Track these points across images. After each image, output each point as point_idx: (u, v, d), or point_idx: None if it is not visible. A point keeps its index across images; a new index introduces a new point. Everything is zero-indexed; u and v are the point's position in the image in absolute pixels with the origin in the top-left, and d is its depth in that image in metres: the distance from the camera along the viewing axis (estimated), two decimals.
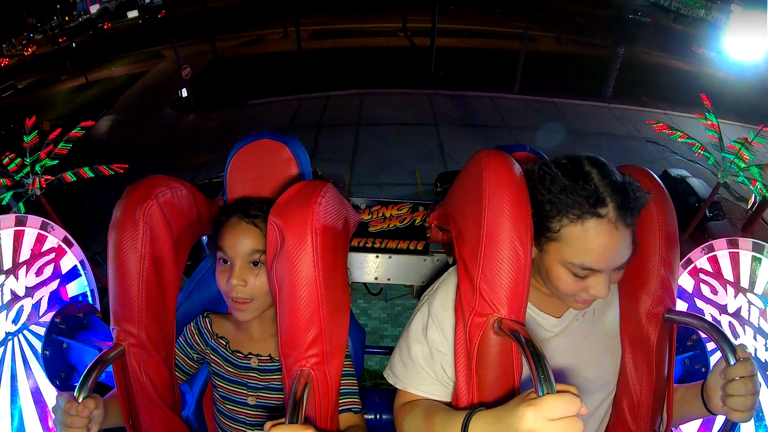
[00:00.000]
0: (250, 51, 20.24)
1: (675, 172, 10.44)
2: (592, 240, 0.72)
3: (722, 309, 1.44)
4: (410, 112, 14.49)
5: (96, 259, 6.78)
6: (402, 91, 15.75)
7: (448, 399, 0.85)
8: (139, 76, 18.78)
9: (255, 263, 0.92)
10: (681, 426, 1.39)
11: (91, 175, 6.54)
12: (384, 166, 11.60)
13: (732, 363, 0.74)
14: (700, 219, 8.46)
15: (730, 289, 1.43)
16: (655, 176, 0.91)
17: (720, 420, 1.30)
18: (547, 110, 14.91)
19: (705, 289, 1.49)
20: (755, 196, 8.78)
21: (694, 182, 9.84)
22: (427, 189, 10.56)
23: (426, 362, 0.85)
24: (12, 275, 1.39)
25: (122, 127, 14.57)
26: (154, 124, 14.60)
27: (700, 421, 1.36)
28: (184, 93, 14.73)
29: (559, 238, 0.74)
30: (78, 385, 0.73)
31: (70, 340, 1.38)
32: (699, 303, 1.49)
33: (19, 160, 5.69)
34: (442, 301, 0.86)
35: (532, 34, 16.58)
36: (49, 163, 6.12)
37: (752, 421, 1.31)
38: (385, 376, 0.92)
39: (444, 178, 9.73)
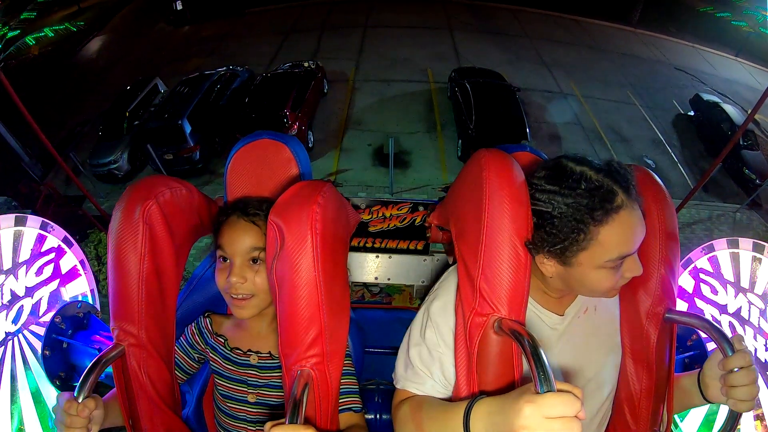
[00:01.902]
0: None
1: (707, 96, 10.13)
2: (621, 231, 0.73)
3: (722, 309, 1.44)
4: (422, 17, 13.82)
5: (77, 168, 7.15)
6: None
7: (444, 397, 0.85)
8: None
9: (254, 260, 0.92)
10: (684, 423, 1.39)
11: (51, 35, 6.43)
12: (392, 64, 11.11)
13: (729, 354, 0.75)
14: (734, 147, 7.83)
15: (730, 289, 1.43)
16: (655, 175, 0.91)
17: (722, 414, 1.30)
18: (569, 26, 14.40)
19: (705, 289, 1.49)
20: None
21: (728, 108, 9.43)
22: (441, 87, 10.14)
23: (423, 363, 0.86)
24: (12, 275, 1.39)
25: (113, 46, 14.03)
26: (147, 39, 14.00)
27: (702, 416, 1.37)
28: (179, 5, 14.15)
29: (589, 246, 0.74)
30: (78, 385, 0.73)
31: (70, 340, 1.38)
32: (699, 303, 1.49)
33: None
34: (441, 303, 0.87)
35: None
36: (10, 33, 5.85)
37: (752, 421, 1.32)
38: (393, 378, 0.93)
39: (460, 74, 9.37)
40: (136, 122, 8.43)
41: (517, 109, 8.40)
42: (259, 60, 10.98)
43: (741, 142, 8.48)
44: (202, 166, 8.16)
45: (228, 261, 0.93)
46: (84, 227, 5.56)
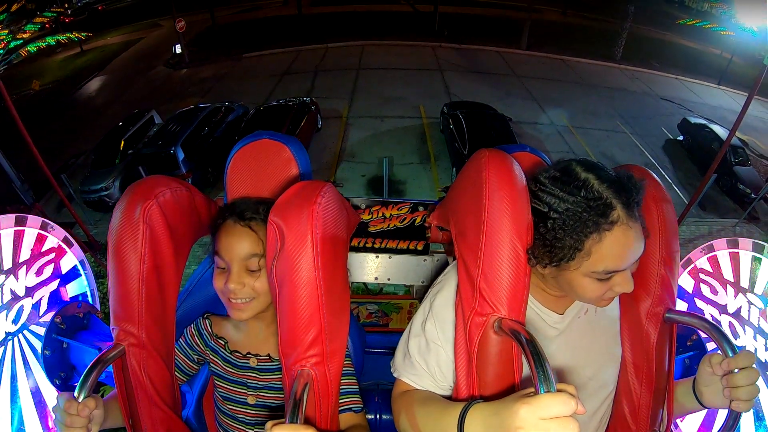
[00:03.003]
0: (249, 17, 19.92)
1: (694, 119, 10.41)
2: (610, 247, 0.72)
3: (722, 309, 1.44)
4: (413, 60, 14.38)
5: (71, 195, 7.36)
6: (404, 43, 15.59)
7: (440, 393, 0.86)
8: (134, 43, 18.40)
9: (252, 270, 0.91)
10: (684, 423, 1.39)
11: (52, 42, 6.67)
12: (385, 102, 11.49)
13: (731, 356, 0.75)
14: (726, 164, 8.26)
15: (730, 289, 1.43)
16: (654, 175, 0.91)
17: (722, 413, 1.30)
18: (556, 66, 14.93)
19: (705, 289, 1.49)
20: None
21: (717, 128, 9.68)
22: (433, 122, 10.46)
23: (420, 355, 0.87)
24: (12, 275, 1.39)
25: (112, 85, 14.46)
26: (145, 80, 14.41)
27: (702, 417, 1.37)
28: (178, 49, 14.60)
29: (576, 254, 0.74)
30: (78, 385, 0.73)
31: (70, 340, 1.38)
32: (699, 303, 1.49)
33: None
34: (445, 296, 0.88)
35: (538, 6, 16.70)
36: (12, 43, 6.00)
37: (753, 421, 1.32)
38: (391, 365, 0.95)
39: (452, 107, 9.59)
40: (130, 151, 8.48)
41: (510, 135, 8.50)
42: (254, 99, 11.28)
43: (732, 159, 8.70)
44: None
45: (226, 268, 0.92)
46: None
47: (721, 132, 9.37)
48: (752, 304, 1.38)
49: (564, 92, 12.73)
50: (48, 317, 1.40)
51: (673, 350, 0.88)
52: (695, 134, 9.93)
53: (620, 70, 15.06)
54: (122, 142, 8.68)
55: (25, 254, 1.43)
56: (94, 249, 6.42)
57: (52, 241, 1.51)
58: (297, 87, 12.22)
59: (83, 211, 7.79)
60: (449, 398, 0.82)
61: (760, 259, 1.38)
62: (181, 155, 7.99)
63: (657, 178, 0.91)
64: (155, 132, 9.09)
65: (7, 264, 1.38)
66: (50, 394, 1.41)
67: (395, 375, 0.92)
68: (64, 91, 14.15)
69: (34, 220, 1.46)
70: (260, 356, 1.01)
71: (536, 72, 14.09)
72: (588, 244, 0.72)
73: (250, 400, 1.00)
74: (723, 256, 1.46)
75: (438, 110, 10.27)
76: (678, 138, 10.54)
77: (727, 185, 8.73)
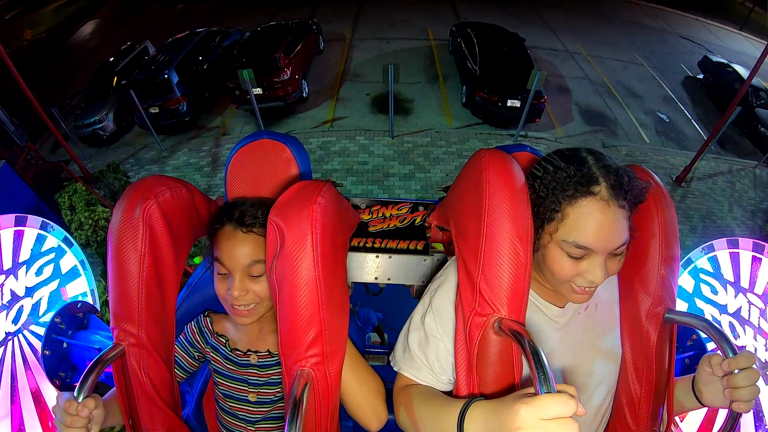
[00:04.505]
0: None
1: (716, 58, 10.25)
2: (585, 217, 0.74)
3: (722, 309, 1.44)
4: None
5: (67, 134, 7.51)
6: None
7: (439, 387, 0.86)
8: None
9: (255, 276, 0.91)
10: (684, 423, 1.39)
11: None
12: (391, 26, 11.34)
13: (731, 356, 0.74)
14: (747, 105, 8.15)
15: (730, 289, 1.43)
16: (655, 175, 0.90)
17: (722, 413, 1.30)
18: None
19: (705, 289, 1.49)
20: None
21: (738, 68, 9.48)
22: (441, 44, 10.31)
23: (420, 348, 0.87)
24: (12, 275, 1.39)
25: (105, 28, 14.33)
26: (139, 20, 14.13)
27: (702, 416, 1.37)
28: None
29: (554, 216, 0.77)
30: (78, 385, 0.73)
31: (70, 340, 1.38)
32: (699, 303, 1.49)
33: None
34: (445, 291, 0.88)
35: None
36: None
37: (752, 421, 1.32)
38: (390, 359, 0.95)
39: (461, 27, 9.38)
40: (124, 82, 8.28)
41: (523, 51, 8.18)
42: (252, 27, 11.07)
43: (754, 102, 8.57)
44: (190, 119, 8.01)
45: (227, 274, 0.92)
46: (63, 183, 5.62)
47: (743, 72, 9.15)
48: (752, 304, 1.38)
49: (580, 22, 12.59)
50: (48, 317, 1.41)
51: (673, 350, 0.88)
52: (716, 72, 9.75)
53: (639, 6, 14.87)
54: (115, 76, 8.51)
55: (25, 254, 1.43)
56: (89, 182, 6.49)
57: (52, 241, 1.51)
58: (297, 16, 11.75)
59: (78, 147, 7.79)
60: (449, 394, 0.83)
61: (760, 259, 1.39)
62: (175, 78, 7.77)
63: (657, 178, 0.91)
64: (148, 59, 8.84)
65: (7, 264, 1.38)
66: (50, 394, 1.41)
67: (395, 368, 0.92)
68: (57, 38, 13.95)
69: (34, 220, 1.46)
70: (260, 353, 1.01)
71: (551, 1, 13.77)
72: (562, 206, 0.75)
73: (251, 398, 1.00)
74: (723, 256, 1.46)
75: (446, 33, 10.04)
76: (698, 76, 10.36)
77: (747, 127, 8.64)
